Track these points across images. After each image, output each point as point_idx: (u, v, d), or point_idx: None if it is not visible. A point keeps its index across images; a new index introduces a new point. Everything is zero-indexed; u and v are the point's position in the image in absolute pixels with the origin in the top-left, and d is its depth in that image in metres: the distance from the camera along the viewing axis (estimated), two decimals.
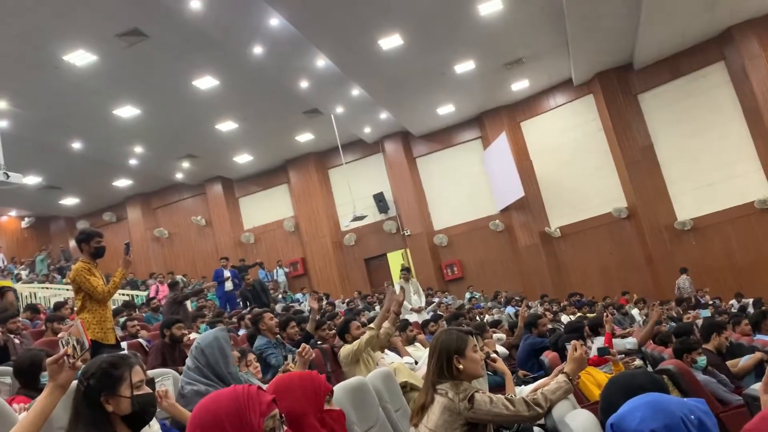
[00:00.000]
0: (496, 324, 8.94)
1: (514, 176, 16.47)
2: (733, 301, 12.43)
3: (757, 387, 1.80)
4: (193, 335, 6.84)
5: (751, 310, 10.64)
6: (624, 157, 15.87)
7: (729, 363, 5.26)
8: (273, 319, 5.46)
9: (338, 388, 2.74)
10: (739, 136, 14.83)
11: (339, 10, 11.13)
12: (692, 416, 1.36)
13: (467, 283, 17.15)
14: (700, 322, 7.10)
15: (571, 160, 16.77)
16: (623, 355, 5.71)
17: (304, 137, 17.76)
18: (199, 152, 17.27)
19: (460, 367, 2.51)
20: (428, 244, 18.18)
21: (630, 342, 5.98)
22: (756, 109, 14.38)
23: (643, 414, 1.37)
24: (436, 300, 13.72)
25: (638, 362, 5.38)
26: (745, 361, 5.14)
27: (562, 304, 12.69)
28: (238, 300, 12.16)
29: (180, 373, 4.19)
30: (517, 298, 13.87)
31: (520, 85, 16.47)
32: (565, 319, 10.25)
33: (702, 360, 4.64)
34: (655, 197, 15.54)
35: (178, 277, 14.86)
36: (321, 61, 13.22)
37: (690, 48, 15.19)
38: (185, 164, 18.11)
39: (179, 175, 19.33)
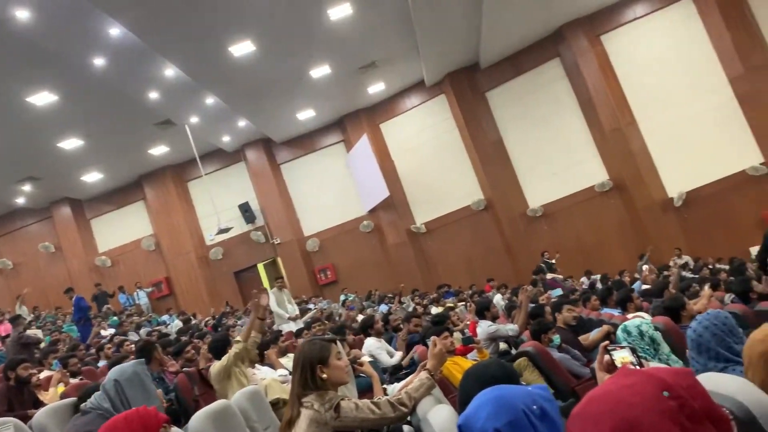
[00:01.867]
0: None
1: (378, 177, 16.77)
2: (584, 279, 13.47)
3: None
4: (44, 374, 6.28)
5: (599, 285, 11.59)
6: (477, 152, 16.71)
7: (581, 338, 5.69)
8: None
9: (199, 415, 2.61)
10: (577, 127, 16.13)
11: (183, 18, 10.70)
12: (534, 406, 1.42)
13: (341, 286, 17.22)
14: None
15: (431, 158, 17.39)
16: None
17: (158, 150, 16.93)
18: (41, 173, 15.88)
19: (324, 376, 2.49)
20: (300, 251, 18.04)
21: (511, 328, 6.26)
22: (590, 100, 15.71)
23: (487, 412, 1.41)
24: (312, 306, 13.64)
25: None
26: (594, 335, 5.58)
27: (431, 297, 13.10)
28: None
29: (28, 419, 3.80)
30: (390, 295, 14.15)
31: (377, 88, 16.80)
32: (435, 311, 10.57)
33: (556, 338, 4.97)
34: (508, 188, 16.51)
35: (24, 310, 13.56)
36: (170, 70, 12.67)
37: (529, 46, 16.28)
38: (26, 187, 16.57)
39: (20, 200, 17.68)
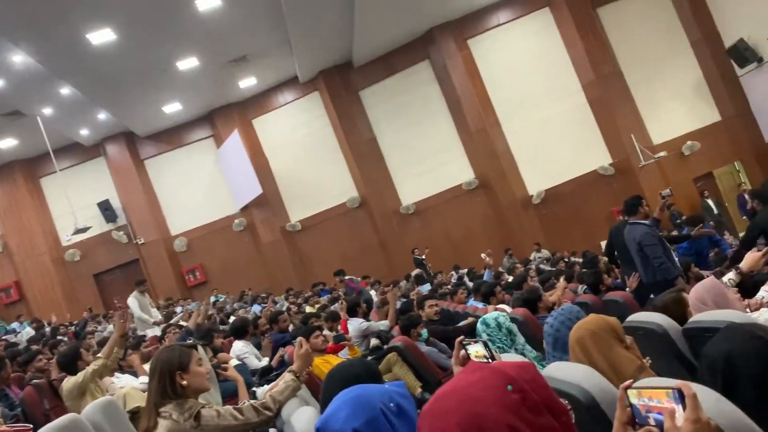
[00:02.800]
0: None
1: (250, 174, 16.38)
2: (453, 273, 13.99)
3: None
4: None
5: (466, 279, 12.10)
6: (352, 150, 16.83)
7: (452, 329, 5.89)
8: None
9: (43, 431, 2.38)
10: (446, 127, 16.73)
11: (34, 2, 9.82)
12: (391, 404, 1.43)
13: (211, 287, 16.64)
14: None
15: (305, 156, 17.25)
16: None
17: (6, 143, 15.44)
18: None
19: (184, 383, 2.38)
20: (166, 251, 17.21)
21: (383, 324, 6.33)
22: (457, 102, 16.34)
23: (346, 413, 1.40)
24: (179, 309, 13.06)
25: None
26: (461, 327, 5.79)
27: (306, 296, 13.01)
28: None
29: None
30: (263, 295, 13.88)
31: (248, 83, 16.39)
32: (308, 310, 10.51)
33: (425, 333, 5.10)
34: (381, 186, 16.79)
35: None
36: (18, 57, 11.58)
37: (401, 47, 16.62)
38: None
39: None
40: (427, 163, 16.58)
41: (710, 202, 14.66)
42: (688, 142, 15.62)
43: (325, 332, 6.15)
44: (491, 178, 16.26)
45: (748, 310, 3.11)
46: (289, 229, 17.21)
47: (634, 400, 1.11)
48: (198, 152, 17.73)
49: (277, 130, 17.45)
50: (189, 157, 17.67)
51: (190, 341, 3.23)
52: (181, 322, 8.78)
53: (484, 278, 10.30)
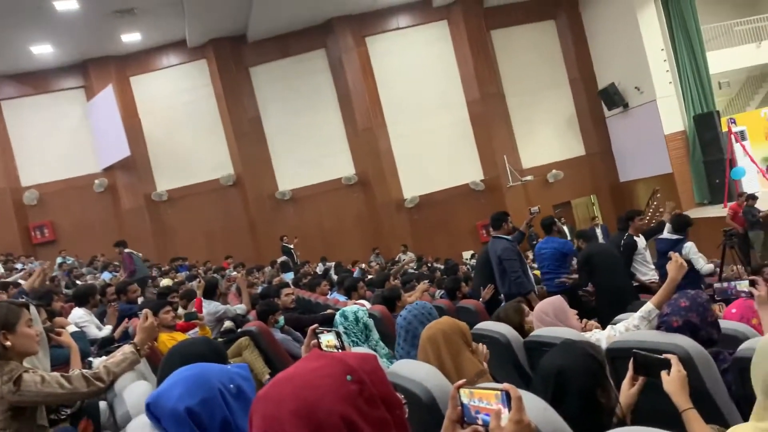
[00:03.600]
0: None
1: (120, 134, 15.40)
2: (319, 264, 13.99)
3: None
4: None
5: (332, 272, 12.15)
6: (233, 126, 16.32)
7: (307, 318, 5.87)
8: None
9: None
10: (334, 119, 16.72)
11: None
12: (231, 385, 1.38)
13: (60, 247, 15.42)
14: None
15: (183, 124, 16.49)
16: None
17: None
18: None
19: (8, 343, 2.19)
20: (12, 202, 15.75)
21: (239, 308, 6.19)
22: (348, 96, 16.39)
23: (181, 391, 1.34)
24: (20, 267, 12.00)
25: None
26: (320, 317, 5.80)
27: (163, 269, 12.45)
28: None
29: None
30: (116, 263, 13.09)
31: (132, 38, 15.38)
32: (164, 283, 10.05)
33: (281, 320, 5.05)
34: (260, 168, 16.43)
35: None
36: None
37: (299, 31, 16.36)
38: None
39: None
40: (309, 151, 16.46)
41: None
42: (554, 171, 16.75)
43: (180, 311, 5.93)
44: (370, 177, 16.46)
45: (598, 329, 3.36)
46: (154, 198, 16.36)
47: (465, 400, 1.16)
48: (65, 102, 16.39)
49: (156, 93, 16.51)
50: (54, 105, 16.28)
51: (23, 300, 2.96)
52: (20, 281, 8.06)
53: (355, 275, 10.40)
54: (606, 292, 6.10)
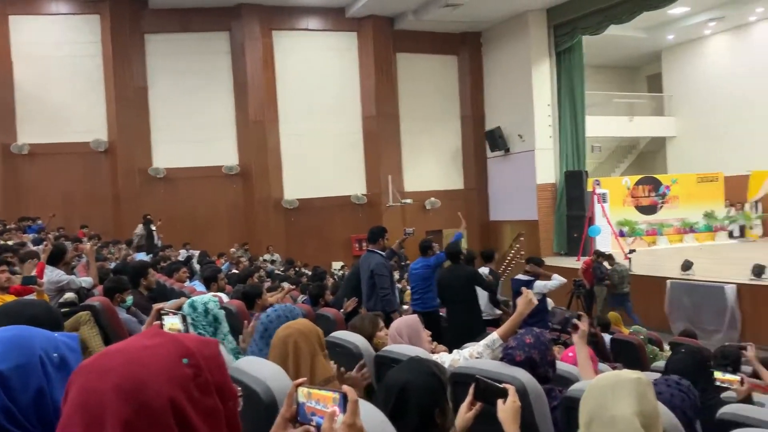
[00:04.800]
0: None
1: None
2: (182, 250, 13.40)
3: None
4: None
5: (195, 261, 11.68)
6: (116, 91, 15.30)
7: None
8: None
9: None
10: (225, 105, 16.21)
11: None
12: (55, 354, 1.26)
13: None
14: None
15: (61, 78, 15.22)
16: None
17: None
18: None
19: None
20: None
21: (86, 281, 5.79)
22: (244, 85, 15.98)
23: None
24: None
25: None
26: (169, 304, 5.54)
27: (8, 226, 11.38)
28: None
29: None
30: None
31: None
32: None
33: (129, 299, 4.77)
34: (136, 139, 15.53)
35: None
36: None
37: (205, 8, 15.74)
38: None
39: None
40: (194, 133, 15.80)
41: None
42: (432, 198, 17.30)
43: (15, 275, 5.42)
44: (253, 171, 16.11)
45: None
46: (13, 150, 14.93)
47: (302, 399, 1.14)
48: None
49: (37, 38, 15.15)
50: None
51: None
52: None
53: (223, 268, 10.11)
54: (458, 319, 6.37)
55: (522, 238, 16.56)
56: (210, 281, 6.15)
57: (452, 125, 18.00)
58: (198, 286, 6.66)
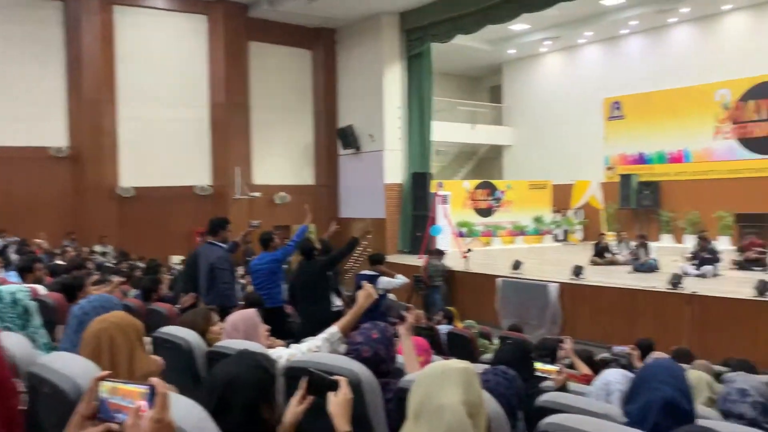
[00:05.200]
0: None
1: None
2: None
3: None
4: None
5: (11, 250, 10.54)
6: None
7: None
8: None
9: None
10: (56, 81, 14.72)
11: None
12: None
13: None
14: None
15: None
16: None
17: None
18: None
19: None
20: None
21: None
22: (79, 61, 14.65)
23: None
24: None
25: None
26: None
27: None
28: None
29: None
30: None
31: None
32: None
33: None
34: None
35: None
36: None
37: None
38: None
39: None
40: (16, 108, 14.16)
41: None
42: (282, 193, 17.08)
43: None
44: (85, 154, 14.82)
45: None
46: None
47: (105, 395, 1.02)
48: None
49: None
50: None
51: None
52: None
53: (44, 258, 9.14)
54: (312, 316, 6.30)
55: (369, 236, 16.86)
56: (25, 272, 5.55)
57: (305, 120, 17.90)
58: (12, 277, 5.99)
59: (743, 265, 11.86)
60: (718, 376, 4.20)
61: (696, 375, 3.70)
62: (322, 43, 17.79)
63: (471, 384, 1.56)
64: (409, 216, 16.46)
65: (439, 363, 1.65)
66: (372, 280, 6.91)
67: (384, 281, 7.11)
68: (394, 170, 16.69)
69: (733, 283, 10.02)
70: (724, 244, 14.64)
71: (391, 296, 7.17)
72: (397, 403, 2.47)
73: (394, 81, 16.57)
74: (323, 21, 17.19)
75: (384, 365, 2.59)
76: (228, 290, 5.81)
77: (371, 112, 16.64)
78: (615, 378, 2.76)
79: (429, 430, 1.50)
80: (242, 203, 16.01)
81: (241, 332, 3.09)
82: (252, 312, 3.28)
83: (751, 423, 2.44)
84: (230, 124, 16.16)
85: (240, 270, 10.40)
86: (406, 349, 3.04)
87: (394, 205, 16.73)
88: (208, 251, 6.08)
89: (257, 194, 16.22)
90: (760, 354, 7.22)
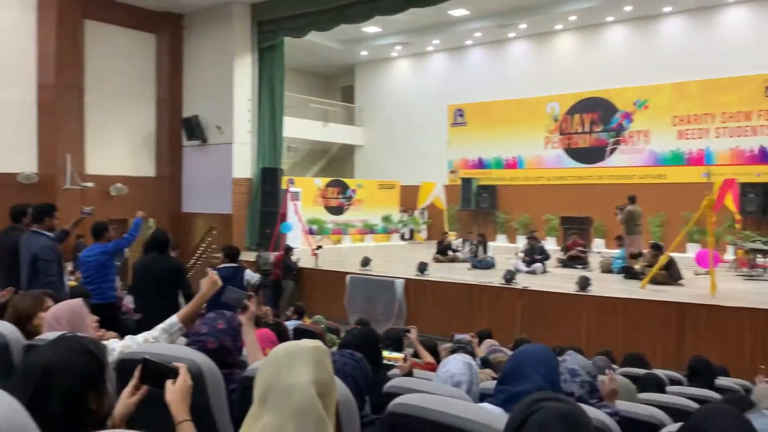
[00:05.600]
0: None
1: None
2: None
3: None
4: None
5: None
6: None
7: None
8: None
9: None
10: None
11: None
12: None
13: None
14: None
15: None
16: None
17: None
18: None
19: None
20: None
21: None
22: None
23: None
24: None
25: None
26: None
27: None
28: None
29: None
30: None
31: None
32: None
33: None
34: None
35: None
36: None
37: None
38: None
39: None
40: None
41: None
42: (119, 184, 15.88)
43: None
44: None
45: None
46: None
47: None
48: None
49: None
50: None
51: None
52: None
53: None
54: (155, 314, 5.87)
55: (214, 232, 16.26)
56: None
57: (147, 107, 16.80)
58: None
59: (567, 263, 13.05)
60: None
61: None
62: (168, 28, 16.81)
63: (322, 363, 1.50)
64: (257, 212, 16.08)
65: (289, 342, 1.57)
66: (239, 272, 6.75)
67: (249, 274, 6.98)
68: (243, 164, 16.22)
69: (558, 279, 10.98)
70: (551, 244, 15.99)
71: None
72: (241, 393, 2.35)
73: (244, 73, 16.11)
74: (170, 5, 16.26)
75: (230, 357, 2.47)
76: (54, 283, 5.24)
77: (220, 103, 16.05)
78: (459, 370, 2.84)
79: (276, 413, 1.42)
80: (73, 194, 14.65)
81: (64, 324, 2.79)
82: (77, 301, 2.96)
83: (579, 400, 2.63)
84: (60, 107, 14.71)
85: (69, 266, 9.51)
86: (249, 340, 2.92)
87: (242, 201, 16.25)
88: (32, 240, 5.48)
89: (90, 184, 14.94)
90: (581, 342, 7.95)
